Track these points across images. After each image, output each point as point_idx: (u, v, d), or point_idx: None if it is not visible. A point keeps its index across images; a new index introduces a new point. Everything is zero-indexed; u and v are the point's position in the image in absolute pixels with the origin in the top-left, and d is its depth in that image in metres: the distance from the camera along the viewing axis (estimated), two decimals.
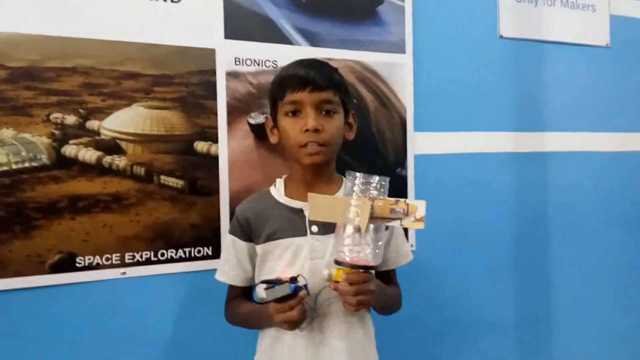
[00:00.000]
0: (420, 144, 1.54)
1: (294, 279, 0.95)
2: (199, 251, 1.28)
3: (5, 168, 1.11)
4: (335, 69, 1.10)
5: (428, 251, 1.40)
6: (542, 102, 1.74)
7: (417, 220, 0.91)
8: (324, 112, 1.03)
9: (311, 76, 1.02)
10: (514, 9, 1.67)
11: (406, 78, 1.51)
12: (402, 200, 0.92)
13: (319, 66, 1.07)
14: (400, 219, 0.91)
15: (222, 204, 1.30)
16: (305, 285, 0.96)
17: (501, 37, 1.65)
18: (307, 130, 1.01)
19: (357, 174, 0.94)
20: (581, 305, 1.81)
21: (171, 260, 1.25)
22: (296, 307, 0.93)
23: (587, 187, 1.81)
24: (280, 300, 0.93)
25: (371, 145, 1.46)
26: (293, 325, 0.96)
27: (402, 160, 1.51)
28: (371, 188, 0.93)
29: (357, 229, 0.91)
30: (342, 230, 0.93)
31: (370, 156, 1.46)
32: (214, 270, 1.25)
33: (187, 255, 1.27)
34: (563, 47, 1.76)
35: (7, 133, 1.12)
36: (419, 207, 0.91)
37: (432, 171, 1.55)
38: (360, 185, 0.93)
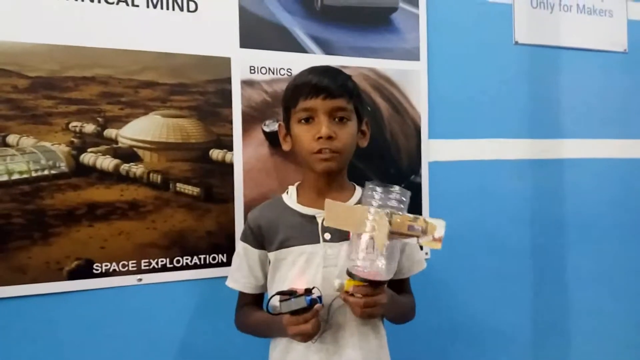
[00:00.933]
0: (435, 151, 1.53)
1: (308, 291, 0.94)
2: (213, 258, 1.29)
3: (25, 176, 1.13)
4: (349, 76, 1.09)
5: (442, 259, 1.39)
6: (558, 109, 1.72)
7: (435, 240, 0.90)
8: (337, 120, 1.03)
9: (324, 83, 1.02)
10: (530, 14, 1.66)
11: (420, 85, 1.50)
12: (421, 217, 0.90)
13: (332, 73, 1.07)
14: (417, 236, 0.90)
15: (236, 211, 1.31)
16: (320, 297, 0.95)
17: (516, 43, 1.64)
18: (320, 137, 1.01)
19: (377, 187, 0.93)
20: (596, 313, 1.78)
21: (186, 267, 1.27)
22: (311, 320, 0.93)
23: (603, 195, 1.79)
24: (295, 312, 0.92)
25: (385, 153, 1.46)
26: (306, 338, 0.95)
27: (416, 168, 1.51)
28: (391, 200, 0.91)
29: (372, 241, 0.90)
30: (357, 240, 0.92)
31: (384, 163, 1.46)
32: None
33: (202, 262, 1.28)
34: (579, 53, 1.74)
35: (28, 141, 1.14)
36: (438, 227, 0.89)
37: (446, 178, 1.54)
38: (379, 199, 0.92)
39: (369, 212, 0.91)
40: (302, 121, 1.04)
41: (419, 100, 1.50)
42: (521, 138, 1.66)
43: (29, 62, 1.14)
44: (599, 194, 1.78)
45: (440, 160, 1.54)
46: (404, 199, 0.93)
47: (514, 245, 1.66)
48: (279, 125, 1.13)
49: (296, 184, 1.13)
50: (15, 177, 1.13)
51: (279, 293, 0.96)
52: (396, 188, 0.93)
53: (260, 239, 1.08)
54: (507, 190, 1.64)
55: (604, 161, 1.79)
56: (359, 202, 1.07)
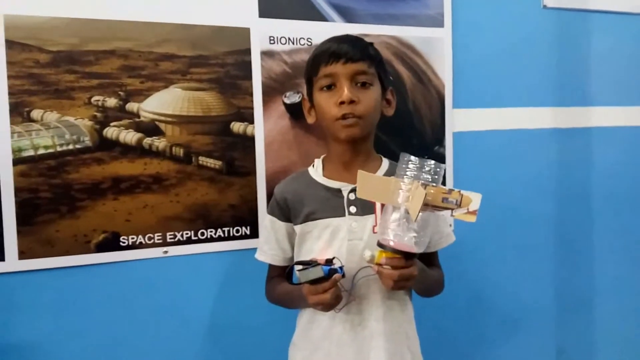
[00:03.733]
0: (459, 121, 1.50)
1: (329, 261, 0.94)
2: (237, 231, 1.30)
3: (50, 150, 1.15)
4: (370, 43, 1.08)
5: (466, 230, 1.36)
6: (587, 76, 1.66)
7: (469, 212, 0.88)
8: (359, 84, 1.02)
9: (344, 49, 1.01)
10: None
11: (445, 53, 1.46)
12: (456, 190, 0.88)
13: (351, 39, 1.06)
14: (452, 209, 0.88)
15: (258, 184, 1.31)
16: (341, 267, 0.95)
17: (545, 7, 1.58)
18: (342, 102, 0.99)
19: (412, 157, 0.91)
20: (624, 287, 1.76)
21: (211, 239, 1.28)
22: (329, 290, 0.93)
23: (632, 164, 1.74)
24: (313, 282, 0.92)
25: (408, 123, 1.43)
26: (327, 307, 0.95)
27: (440, 138, 1.48)
28: (424, 173, 0.89)
29: (405, 213, 0.89)
30: (390, 212, 0.91)
31: (407, 134, 1.44)
32: (252, 249, 1.27)
33: (226, 234, 1.29)
34: (610, 16, 1.67)
35: (52, 116, 1.15)
36: (474, 200, 0.87)
37: (471, 149, 1.51)
38: (413, 169, 0.90)
39: (402, 182, 0.90)
40: (324, 89, 1.03)
41: (443, 68, 1.46)
42: (548, 106, 1.61)
43: (49, 36, 1.14)
44: (629, 164, 1.73)
45: (465, 130, 1.51)
46: (439, 172, 0.90)
47: (539, 217, 1.63)
48: (303, 99, 1.12)
49: (322, 156, 1.12)
50: (41, 151, 1.14)
51: (299, 262, 0.96)
52: (431, 161, 0.91)
53: (286, 212, 1.09)
54: (533, 160, 1.60)
55: (633, 129, 1.73)
56: (387, 173, 1.06)
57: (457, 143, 1.50)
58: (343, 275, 0.95)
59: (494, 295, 1.59)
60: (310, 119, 1.10)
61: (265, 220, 1.14)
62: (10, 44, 1.11)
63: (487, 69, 1.52)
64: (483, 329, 1.59)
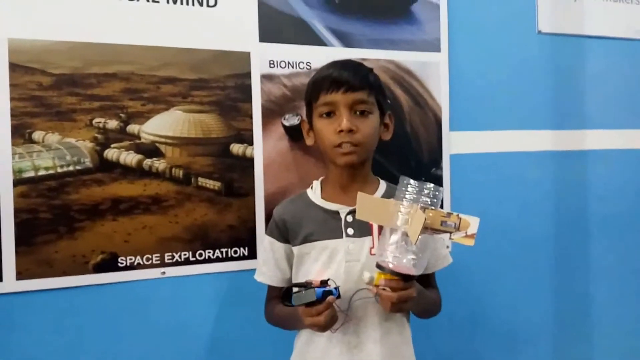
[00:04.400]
0: (456, 143, 1.52)
1: (324, 282, 0.95)
2: (235, 251, 1.30)
3: (51, 172, 1.15)
4: (370, 70, 1.09)
5: (463, 252, 1.37)
6: (583, 99, 1.69)
7: (467, 236, 0.89)
8: (358, 113, 1.03)
9: (345, 77, 1.02)
10: (554, 3, 1.62)
11: (441, 76, 1.49)
12: (455, 213, 0.89)
13: (352, 67, 1.07)
14: (450, 232, 0.89)
15: (257, 205, 1.31)
16: (337, 288, 0.95)
17: (540, 32, 1.61)
18: (341, 131, 1.01)
19: (411, 180, 0.92)
20: (620, 307, 1.76)
21: (209, 260, 1.28)
22: (323, 312, 0.93)
23: (628, 187, 1.75)
24: (308, 304, 0.93)
25: (405, 146, 1.45)
26: (322, 329, 0.96)
27: (437, 160, 1.49)
28: (423, 196, 0.91)
29: (403, 236, 0.90)
30: (388, 234, 0.92)
31: (405, 156, 1.45)
32: (250, 270, 1.27)
33: (224, 255, 1.29)
34: (605, 41, 1.70)
35: (53, 138, 1.16)
36: (472, 224, 0.88)
37: (468, 171, 1.53)
38: (412, 192, 0.91)
39: (401, 205, 0.91)
40: (324, 115, 1.04)
41: (440, 92, 1.49)
42: (544, 129, 1.63)
43: (52, 59, 1.15)
44: (623, 186, 1.75)
45: (462, 152, 1.53)
46: (437, 195, 0.92)
47: (536, 239, 1.63)
48: (302, 121, 1.14)
49: (320, 179, 1.13)
50: (42, 172, 1.15)
51: (294, 285, 0.97)
52: (430, 185, 0.92)
53: (285, 234, 1.09)
54: (530, 182, 1.62)
55: (629, 152, 1.75)
56: (384, 195, 1.07)
57: (454, 165, 1.51)
58: (338, 297, 0.95)
59: (491, 316, 1.59)
60: (309, 141, 1.12)
61: (265, 241, 1.15)
62: (13, 66, 1.13)
63: (483, 93, 1.54)
64: (480, 349, 1.58)
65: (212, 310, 1.30)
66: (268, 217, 1.30)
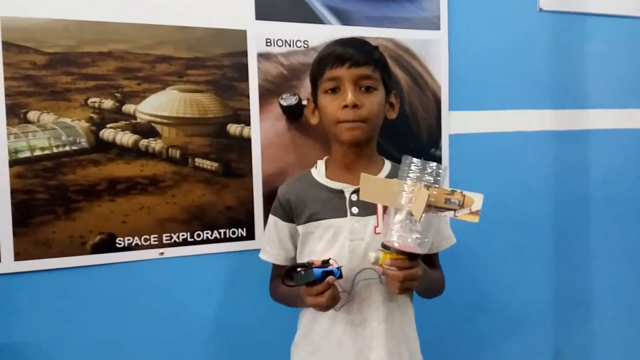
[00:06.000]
0: (455, 123, 1.50)
1: (325, 262, 0.95)
2: (233, 232, 1.30)
3: (47, 152, 1.15)
4: (376, 47, 1.09)
5: (462, 232, 1.37)
6: (584, 78, 1.66)
7: (472, 213, 0.89)
8: (363, 89, 1.03)
9: (349, 52, 1.02)
10: None
11: (441, 55, 1.47)
12: (459, 191, 0.89)
13: (357, 43, 1.07)
14: (454, 209, 0.89)
15: (255, 186, 1.31)
16: (338, 268, 0.95)
17: (541, 10, 1.58)
18: (345, 106, 1.00)
19: (414, 159, 0.92)
20: (621, 289, 1.76)
21: (207, 241, 1.28)
22: (324, 292, 0.93)
23: (630, 167, 1.74)
24: (309, 284, 0.93)
25: (404, 126, 1.44)
26: (323, 308, 0.96)
27: (436, 140, 1.48)
28: (427, 174, 0.90)
29: (408, 215, 0.90)
30: (393, 214, 0.91)
31: (404, 137, 1.44)
32: (248, 251, 1.28)
33: (222, 236, 1.29)
34: (607, 19, 1.67)
35: (48, 118, 1.15)
36: (476, 200, 0.88)
37: (467, 151, 1.51)
38: (415, 171, 0.91)
39: (405, 184, 0.90)
40: (329, 91, 1.04)
41: (439, 71, 1.47)
42: (545, 109, 1.61)
43: (46, 38, 1.14)
44: (624, 167, 1.73)
45: (461, 132, 1.51)
46: (441, 173, 0.91)
47: (536, 219, 1.63)
48: (307, 100, 1.14)
49: (325, 158, 1.13)
50: (37, 153, 1.14)
51: (296, 265, 0.97)
52: (433, 163, 0.92)
53: (289, 213, 1.10)
54: (530, 163, 1.60)
55: (630, 132, 1.73)
56: (389, 175, 1.06)
57: (453, 145, 1.50)
58: (340, 276, 0.95)
59: (491, 297, 1.59)
60: (314, 120, 1.11)
61: (269, 220, 1.15)
62: (7, 45, 1.11)
63: (483, 72, 1.52)
64: (480, 329, 1.59)
65: (211, 291, 1.30)
66: (266, 198, 1.30)
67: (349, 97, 1.00)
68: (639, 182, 1.76)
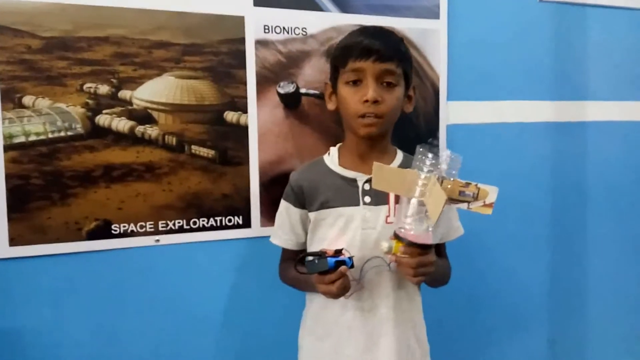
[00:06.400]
0: (454, 113, 1.49)
1: (338, 252, 0.96)
2: (229, 220, 1.29)
3: (42, 137, 1.14)
4: (401, 39, 1.09)
5: (462, 223, 1.37)
6: (584, 70, 1.66)
7: (486, 205, 0.89)
8: (384, 84, 1.02)
9: (376, 46, 1.00)
10: None
11: (440, 45, 1.46)
12: (473, 183, 0.89)
13: (384, 35, 1.06)
14: (468, 202, 0.89)
15: (252, 174, 1.30)
16: (350, 258, 0.96)
17: (541, 0, 1.57)
18: (366, 100, 1.00)
19: (429, 151, 0.91)
20: (618, 279, 1.76)
21: (203, 228, 1.27)
22: (336, 281, 0.94)
23: (629, 159, 1.74)
24: (321, 273, 0.94)
25: (402, 115, 1.42)
26: (334, 296, 0.97)
27: (433, 131, 1.48)
28: (442, 164, 0.90)
29: (421, 206, 0.89)
30: (406, 204, 0.91)
31: (401, 126, 1.42)
32: (245, 239, 1.28)
33: (218, 224, 1.28)
34: (607, 10, 1.66)
35: (43, 103, 1.14)
36: (491, 193, 0.88)
37: (465, 142, 1.51)
38: (430, 164, 0.90)
39: (419, 175, 0.90)
40: (350, 83, 1.03)
41: (438, 60, 1.46)
42: (544, 100, 1.60)
43: (42, 22, 1.13)
44: (624, 159, 1.73)
45: (459, 123, 1.50)
46: (455, 164, 0.91)
47: (534, 211, 1.63)
48: (325, 84, 1.13)
49: (338, 145, 1.13)
50: (32, 138, 1.13)
51: (309, 254, 0.97)
52: (448, 152, 0.91)
53: (301, 199, 1.10)
54: (528, 154, 1.60)
55: (630, 124, 1.73)
56: (401, 165, 1.07)
57: (451, 136, 1.49)
58: (352, 266, 0.96)
59: (488, 286, 1.60)
60: (331, 105, 1.11)
61: (280, 205, 1.15)
62: (1, 29, 1.10)
63: (483, 62, 1.51)
64: (476, 318, 1.60)
65: (207, 279, 1.30)
66: (263, 186, 1.30)
67: (371, 93, 0.99)
68: (638, 174, 1.76)
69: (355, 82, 1.02)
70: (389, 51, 1.01)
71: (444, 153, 0.91)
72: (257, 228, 1.30)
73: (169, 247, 1.25)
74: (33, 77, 1.13)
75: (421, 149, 0.92)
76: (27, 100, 1.13)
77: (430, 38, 1.45)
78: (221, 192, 1.28)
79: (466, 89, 1.50)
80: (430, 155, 0.91)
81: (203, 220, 1.27)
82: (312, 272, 0.94)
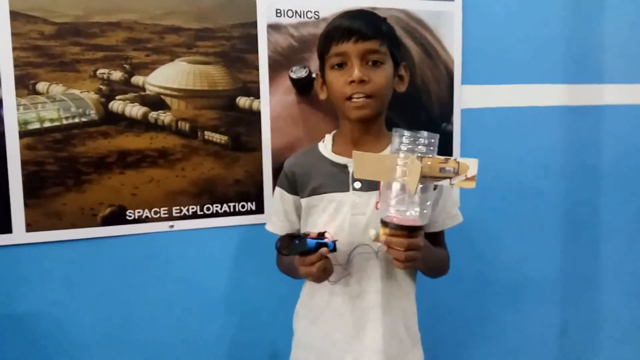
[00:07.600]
0: (468, 97, 1.48)
1: (321, 235, 0.95)
2: (242, 206, 1.30)
3: (56, 123, 1.14)
4: (384, 19, 1.06)
5: (474, 208, 1.37)
6: (599, 53, 1.62)
7: (468, 179, 0.87)
8: (370, 63, 1.01)
9: (356, 26, 0.99)
10: None
11: (454, 28, 1.43)
12: (452, 158, 0.87)
13: (364, 16, 1.04)
14: (450, 177, 0.88)
15: (264, 159, 1.30)
16: (333, 242, 0.95)
17: None
18: (352, 81, 0.99)
19: (405, 131, 0.90)
20: (630, 265, 1.75)
21: (216, 214, 1.28)
22: (316, 262, 0.93)
23: None
24: (302, 254, 0.94)
25: (415, 99, 1.41)
26: (315, 279, 0.97)
27: (448, 115, 1.46)
28: (419, 145, 0.89)
29: (404, 188, 0.89)
30: (388, 188, 0.90)
31: (415, 110, 1.42)
32: (258, 224, 1.28)
33: (232, 209, 1.29)
34: None
35: (57, 89, 1.14)
36: (471, 166, 0.87)
37: (479, 126, 1.49)
38: (407, 143, 0.89)
39: (398, 158, 0.89)
40: (335, 67, 1.02)
41: (453, 43, 1.44)
42: (559, 83, 1.57)
43: (54, 7, 1.13)
44: (638, 142, 1.70)
45: (474, 107, 1.49)
46: (432, 140, 0.90)
47: (548, 195, 1.61)
48: (316, 74, 1.12)
49: (333, 132, 1.12)
50: (47, 124, 1.14)
51: (290, 235, 0.97)
52: (424, 133, 0.90)
53: (294, 185, 1.10)
54: (542, 138, 1.58)
55: None
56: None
57: (465, 120, 1.48)
58: (334, 250, 0.95)
59: (500, 271, 1.59)
60: (323, 95, 1.10)
61: (275, 192, 1.15)
62: (15, 15, 1.10)
63: (498, 45, 1.49)
64: (488, 303, 1.59)
65: (220, 264, 1.31)
66: (275, 171, 1.30)
67: (356, 72, 0.98)
68: None
69: (341, 65, 1.01)
70: (369, 30, 0.99)
71: (421, 133, 0.90)
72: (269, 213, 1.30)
73: (183, 233, 1.26)
74: (46, 63, 1.13)
75: (397, 132, 0.91)
76: (41, 86, 1.13)
77: (445, 20, 1.42)
78: (234, 177, 1.28)
79: (481, 72, 1.48)
80: (407, 133, 0.90)
81: (216, 206, 1.27)
82: (293, 253, 0.94)
